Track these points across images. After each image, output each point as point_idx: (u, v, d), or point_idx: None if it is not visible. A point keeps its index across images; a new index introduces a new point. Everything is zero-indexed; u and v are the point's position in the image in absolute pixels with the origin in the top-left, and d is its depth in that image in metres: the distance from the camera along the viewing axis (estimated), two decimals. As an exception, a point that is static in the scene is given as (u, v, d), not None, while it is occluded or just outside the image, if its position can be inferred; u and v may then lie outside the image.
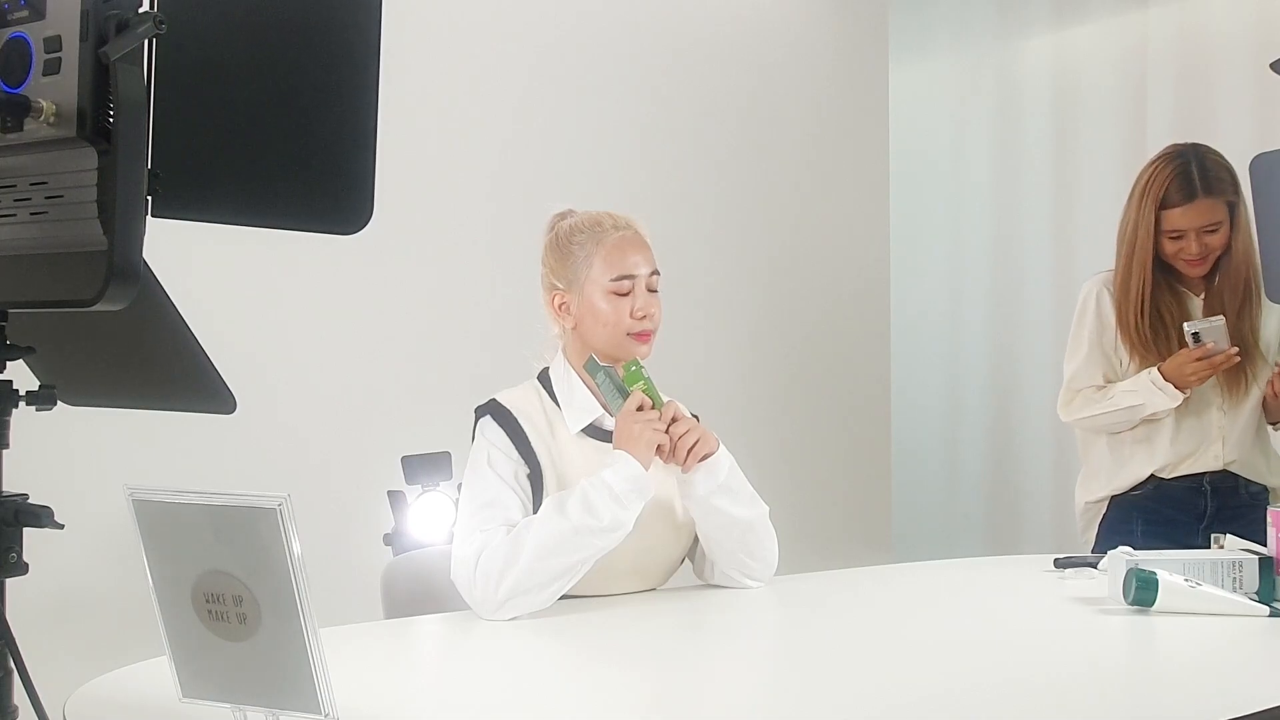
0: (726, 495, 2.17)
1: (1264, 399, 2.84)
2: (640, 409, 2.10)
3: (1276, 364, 2.76)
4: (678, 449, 2.12)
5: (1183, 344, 2.77)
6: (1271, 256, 2.43)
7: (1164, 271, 2.82)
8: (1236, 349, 2.70)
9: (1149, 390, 2.76)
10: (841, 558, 3.08)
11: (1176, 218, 2.75)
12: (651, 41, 4.10)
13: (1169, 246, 2.77)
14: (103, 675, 1.67)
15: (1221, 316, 2.70)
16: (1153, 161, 2.82)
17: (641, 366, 2.14)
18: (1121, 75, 4.35)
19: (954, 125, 4.92)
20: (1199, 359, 2.71)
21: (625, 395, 2.12)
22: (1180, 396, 2.75)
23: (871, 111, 4.68)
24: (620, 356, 2.17)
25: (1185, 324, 2.73)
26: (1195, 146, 2.81)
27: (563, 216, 2.26)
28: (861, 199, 4.63)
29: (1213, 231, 2.74)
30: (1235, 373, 2.78)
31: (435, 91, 3.58)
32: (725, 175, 4.25)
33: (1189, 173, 2.75)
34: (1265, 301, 2.79)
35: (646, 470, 2.07)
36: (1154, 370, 2.76)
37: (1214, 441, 2.83)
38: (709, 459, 2.14)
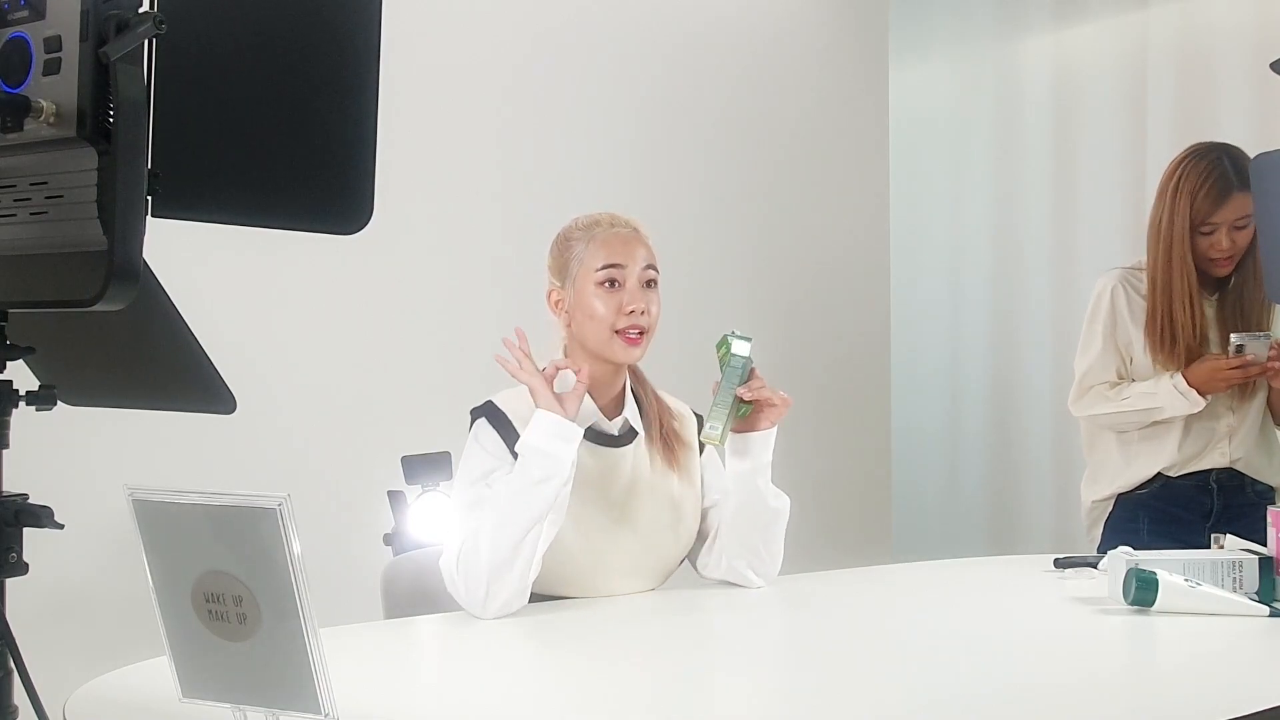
0: (763, 477, 2.19)
1: (1269, 399, 2.84)
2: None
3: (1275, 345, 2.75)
4: (770, 406, 2.15)
5: (1199, 346, 2.78)
6: (1272, 256, 2.43)
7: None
8: (1276, 365, 2.70)
9: (1170, 394, 2.76)
10: (841, 558, 3.08)
11: (1212, 211, 2.75)
12: (651, 41, 4.10)
13: (1200, 243, 2.77)
14: (103, 675, 1.67)
15: (1269, 332, 2.70)
16: (1182, 159, 2.81)
17: (730, 340, 2.14)
18: (1121, 75, 4.35)
19: (954, 125, 4.92)
20: (1235, 368, 2.71)
21: (744, 367, 2.13)
22: (1202, 403, 2.76)
23: (871, 111, 4.68)
24: (608, 356, 2.17)
25: (1233, 335, 2.73)
26: (1221, 144, 2.83)
27: (576, 218, 2.26)
28: (861, 199, 4.63)
29: (1243, 227, 2.74)
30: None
31: (436, 91, 3.58)
32: (725, 175, 4.25)
33: (1223, 167, 2.76)
34: None
35: (558, 409, 2.06)
36: (1177, 375, 2.76)
37: (1221, 439, 2.83)
38: (766, 433, 2.18)
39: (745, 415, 2.16)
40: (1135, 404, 2.82)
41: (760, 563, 2.25)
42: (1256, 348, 2.70)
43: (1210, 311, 2.84)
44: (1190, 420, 2.81)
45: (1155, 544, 2.53)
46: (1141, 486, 2.87)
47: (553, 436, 2.05)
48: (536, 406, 2.08)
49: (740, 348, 2.14)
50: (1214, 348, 2.80)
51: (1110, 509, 2.92)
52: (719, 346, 2.17)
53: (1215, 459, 2.83)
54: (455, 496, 2.14)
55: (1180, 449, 2.83)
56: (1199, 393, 2.75)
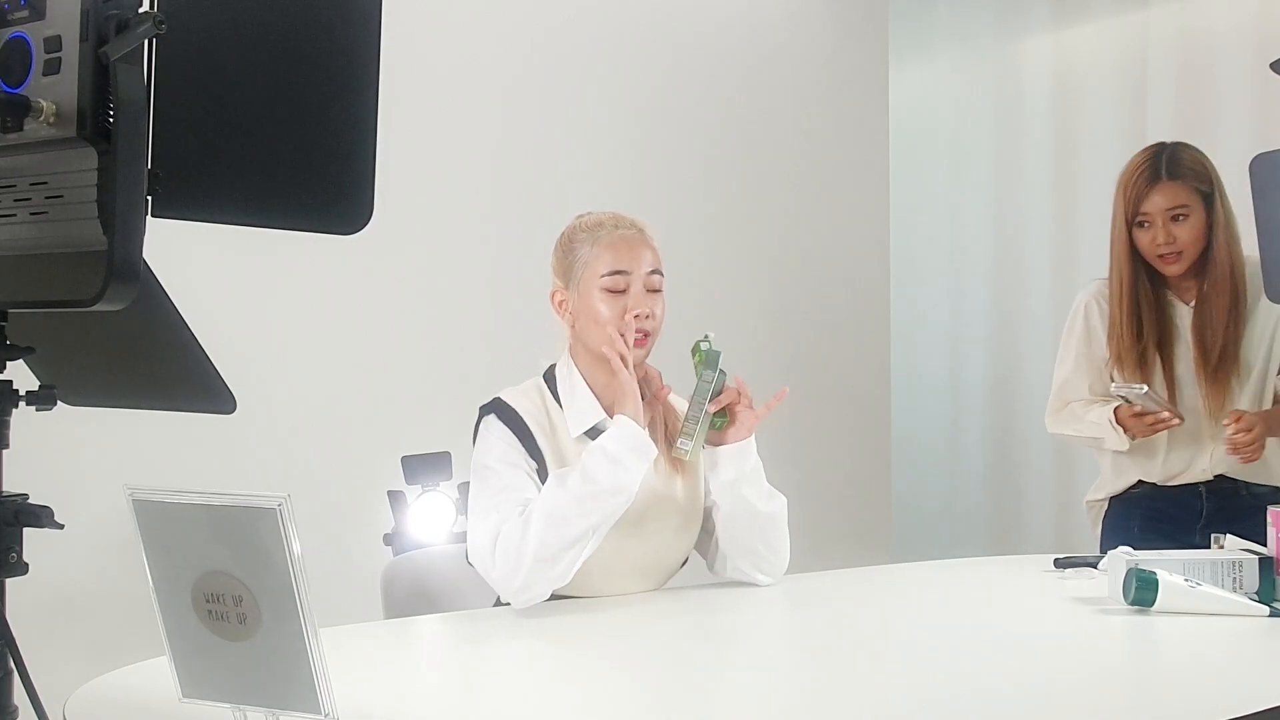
0: (751, 485, 2.18)
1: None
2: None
3: (1229, 419, 2.71)
4: (746, 410, 2.15)
5: (1166, 358, 2.77)
6: (1271, 256, 2.42)
7: (1152, 279, 2.80)
8: (1166, 415, 2.68)
9: (1107, 428, 2.77)
10: (841, 558, 3.08)
11: (1143, 202, 2.75)
12: (651, 42, 4.10)
13: (1142, 238, 2.77)
14: (103, 675, 1.67)
15: (1145, 385, 2.67)
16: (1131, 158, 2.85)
17: (701, 351, 2.15)
18: (1121, 75, 4.35)
19: (954, 125, 4.92)
20: (1133, 416, 2.71)
21: (717, 376, 2.13)
22: (1127, 441, 2.76)
23: (871, 111, 4.67)
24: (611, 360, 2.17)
25: (1112, 385, 2.74)
26: (1174, 142, 2.84)
27: (580, 216, 2.26)
28: (861, 199, 4.63)
29: (1179, 219, 2.73)
30: (1220, 382, 2.76)
31: (435, 91, 3.58)
32: (725, 175, 4.25)
33: (1156, 159, 2.77)
34: (1257, 306, 2.78)
35: (643, 426, 2.07)
36: (1111, 409, 2.76)
37: (1204, 452, 2.80)
38: (741, 444, 2.17)
39: (720, 428, 2.16)
40: (1086, 430, 2.84)
41: (764, 562, 2.25)
42: (1137, 399, 2.68)
43: (1183, 322, 2.80)
44: (1174, 434, 2.79)
45: (1147, 542, 2.53)
46: (1133, 488, 2.87)
47: (630, 449, 2.05)
48: (622, 411, 2.08)
49: (710, 362, 2.14)
50: (1181, 359, 2.78)
51: (1106, 508, 2.93)
52: (694, 352, 2.17)
53: (1198, 474, 2.81)
54: (476, 485, 2.12)
55: (1165, 463, 2.82)
56: (1125, 430, 2.75)
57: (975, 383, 4.84)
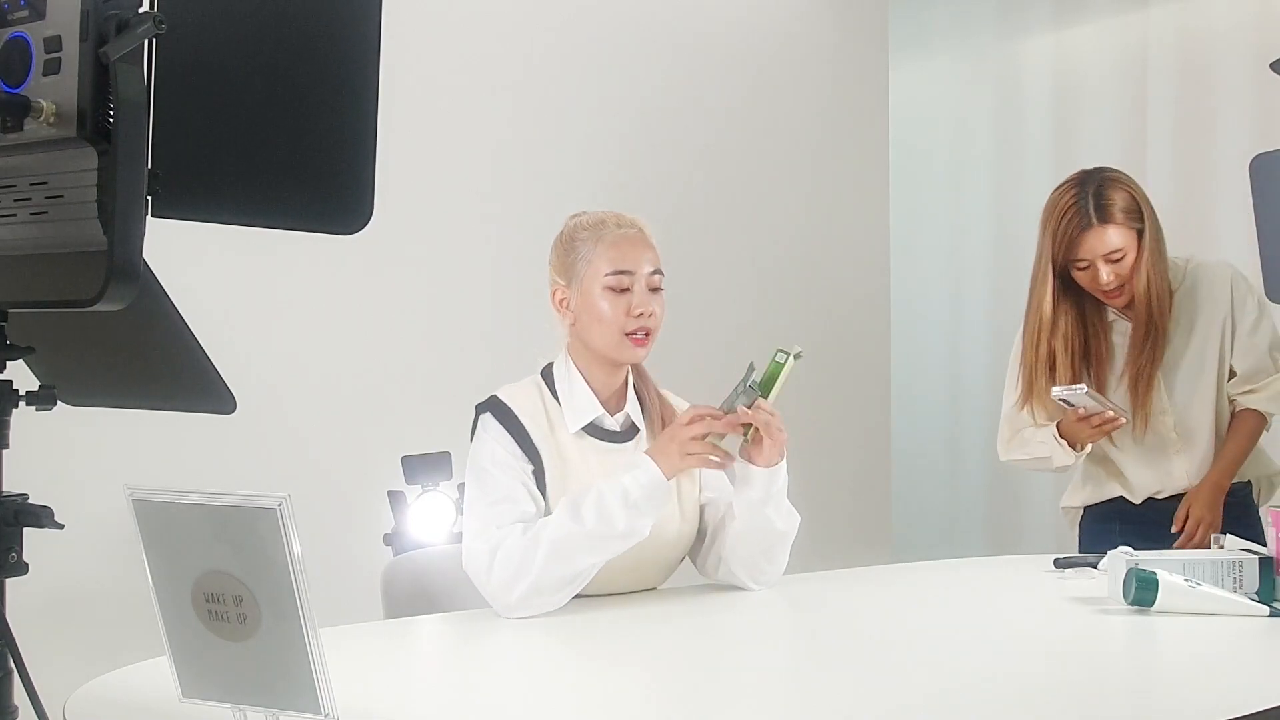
0: (774, 504, 2.17)
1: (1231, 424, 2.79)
2: (693, 422, 2.05)
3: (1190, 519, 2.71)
4: (765, 439, 2.10)
5: (1100, 379, 2.75)
6: (1271, 256, 2.43)
7: (1086, 301, 2.76)
8: (1112, 414, 2.63)
9: (1053, 444, 2.74)
10: (841, 558, 3.08)
11: (1075, 249, 2.67)
12: (651, 41, 4.10)
13: (1082, 278, 2.70)
14: (103, 675, 1.67)
15: (1083, 385, 2.62)
16: (1056, 189, 2.74)
17: (785, 357, 2.09)
18: (1121, 75, 4.35)
19: (954, 124, 4.92)
20: (1079, 420, 2.66)
21: (746, 389, 2.07)
22: (1073, 454, 2.73)
23: (871, 111, 4.68)
24: (616, 358, 2.17)
25: (1054, 389, 2.67)
26: (1098, 172, 2.72)
27: (575, 216, 2.25)
28: (861, 199, 4.63)
29: (1117, 261, 2.66)
30: (1143, 398, 2.73)
31: (435, 92, 3.58)
32: (725, 175, 4.25)
33: (1083, 202, 2.66)
34: (1198, 317, 2.75)
35: (669, 480, 2.05)
36: (1054, 425, 2.73)
37: (1180, 475, 2.77)
38: (776, 466, 2.14)
39: (748, 440, 2.11)
40: (1033, 451, 2.80)
41: (761, 573, 2.24)
42: (1079, 400, 2.63)
43: (1122, 339, 2.77)
44: (1141, 451, 2.78)
45: (1129, 544, 2.52)
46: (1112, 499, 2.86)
47: (649, 498, 2.03)
48: (658, 460, 2.04)
49: (747, 375, 2.10)
50: (1116, 375, 2.76)
51: (1081, 515, 2.92)
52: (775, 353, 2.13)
53: (1177, 486, 2.78)
54: (473, 489, 2.12)
55: (1137, 479, 2.80)
56: (1069, 444, 2.71)
57: (975, 383, 4.83)
